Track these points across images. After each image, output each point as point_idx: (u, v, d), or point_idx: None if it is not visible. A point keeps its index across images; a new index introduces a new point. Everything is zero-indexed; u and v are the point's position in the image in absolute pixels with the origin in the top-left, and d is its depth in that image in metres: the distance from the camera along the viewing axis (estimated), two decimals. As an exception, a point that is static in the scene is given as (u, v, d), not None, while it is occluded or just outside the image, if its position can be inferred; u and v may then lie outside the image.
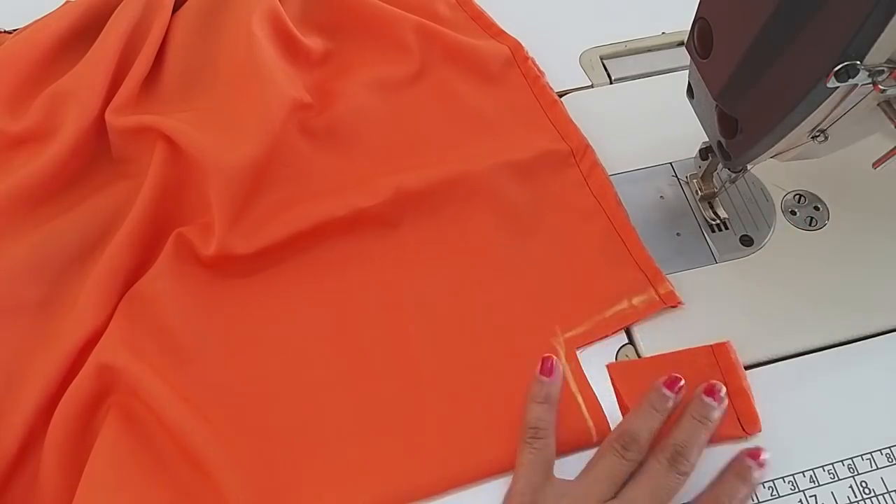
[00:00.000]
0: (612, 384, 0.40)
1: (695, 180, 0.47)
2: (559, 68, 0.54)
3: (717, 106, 0.38)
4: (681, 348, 0.40)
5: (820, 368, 0.41)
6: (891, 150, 0.35)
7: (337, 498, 0.37)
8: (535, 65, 0.54)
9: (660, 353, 0.41)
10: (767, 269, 0.44)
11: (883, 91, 0.30)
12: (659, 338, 0.41)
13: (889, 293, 0.43)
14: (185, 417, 0.38)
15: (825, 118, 0.34)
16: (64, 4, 0.53)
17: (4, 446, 0.37)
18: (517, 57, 0.54)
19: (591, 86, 0.54)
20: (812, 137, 0.35)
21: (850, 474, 0.37)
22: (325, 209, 0.45)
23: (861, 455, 0.38)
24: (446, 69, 0.53)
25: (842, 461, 0.37)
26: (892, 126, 0.33)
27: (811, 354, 0.41)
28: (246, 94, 0.47)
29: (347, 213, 0.45)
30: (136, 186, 0.45)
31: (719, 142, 0.39)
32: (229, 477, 0.36)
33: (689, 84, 0.41)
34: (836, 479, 0.37)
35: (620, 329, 0.42)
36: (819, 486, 0.37)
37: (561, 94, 0.53)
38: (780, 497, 0.36)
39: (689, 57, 0.39)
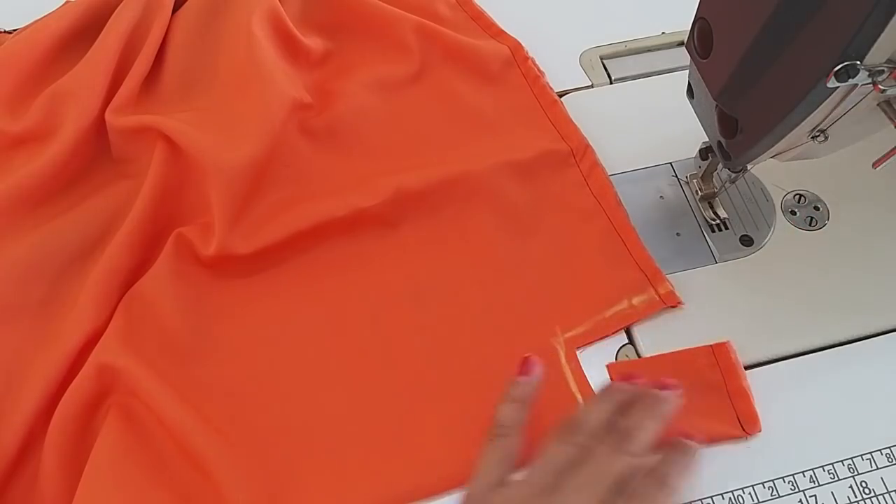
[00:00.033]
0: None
1: (695, 180, 0.47)
2: (559, 68, 0.54)
3: (717, 106, 0.38)
4: (681, 348, 0.40)
5: (820, 368, 0.41)
6: (891, 150, 0.35)
7: (336, 498, 0.37)
8: (535, 65, 0.54)
9: (660, 353, 0.41)
10: (767, 269, 0.44)
11: (883, 91, 0.30)
12: (659, 338, 0.41)
13: (889, 293, 0.43)
14: (185, 417, 0.38)
15: (825, 118, 0.34)
16: (64, 4, 0.53)
17: (4, 446, 0.37)
18: (517, 57, 0.54)
19: (591, 86, 0.54)
20: (812, 137, 0.35)
21: (850, 474, 0.37)
22: (325, 209, 0.45)
23: (861, 455, 0.38)
24: (446, 69, 0.53)
25: (842, 461, 0.37)
26: (893, 126, 0.33)
27: (811, 354, 0.41)
28: (246, 94, 0.47)
29: (347, 213, 0.45)
30: (136, 186, 0.45)
31: (719, 142, 0.39)
32: (229, 477, 0.36)
33: (689, 84, 0.41)
34: (836, 479, 0.37)
35: (620, 329, 0.42)
36: (819, 486, 0.37)
37: (561, 94, 0.53)
38: (780, 497, 0.36)
39: (689, 57, 0.39)
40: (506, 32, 0.56)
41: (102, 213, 0.45)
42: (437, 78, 0.53)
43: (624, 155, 0.49)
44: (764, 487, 0.37)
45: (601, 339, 0.42)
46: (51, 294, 0.42)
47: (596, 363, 0.41)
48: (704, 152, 0.44)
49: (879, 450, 0.38)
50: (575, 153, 0.49)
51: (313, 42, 0.53)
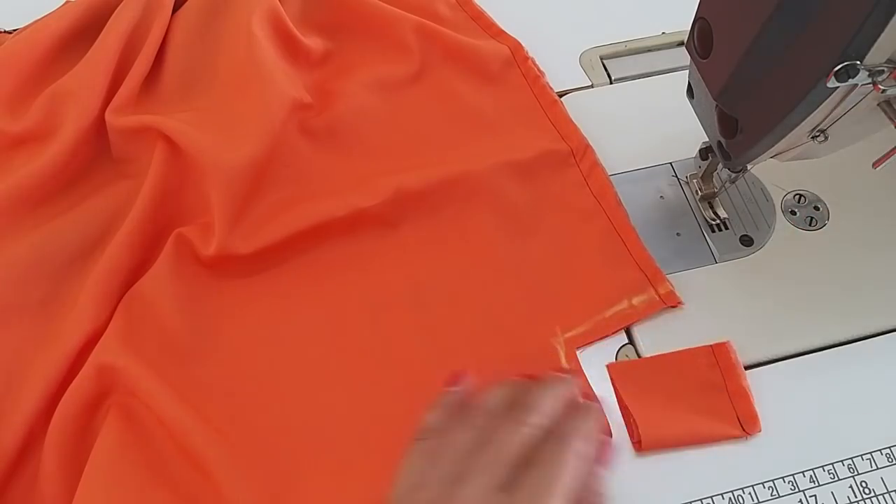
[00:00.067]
0: (612, 384, 0.40)
1: (695, 180, 0.47)
2: (559, 68, 0.54)
3: (717, 106, 0.38)
4: (681, 348, 0.40)
5: (820, 368, 0.41)
6: (891, 150, 0.34)
7: (336, 498, 0.37)
8: (535, 65, 0.54)
9: (660, 353, 0.41)
10: (767, 269, 0.44)
11: (883, 91, 0.30)
12: (659, 338, 0.41)
13: (889, 293, 0.43)
14: (185, 417, 0.38)
15: (825, 118, 0.34)
16: (64, 4, 0.53)
17: (4, 446, 0.37)
18: (517, 57, 0.54)
19: (591, 86, 0.54)
20: (812, 137, 0.35)
21: (850, 474, 0.37)
22: (325, 209, 0.45)
23: (861, 455, 0.38)
24: (446, 69, 0.53)
25: (842, 461, 0.37)
26: (893, 126, 0.33)
27: (811, 354, 0.41)
28: (246, 94, 0.47)
29: (347, 213, 0.45)
30: (136, 186, 0.45)
31: (719, 142, 0.39)
32: (229, 477, 0.36)
33: (689, 84, 0.41)
34: (836, 479, 0.37)
35: (620, 329, 0.42)
36: (819, 486, 0.37)
37: (561, 94, 0.53)
38: (780, 497, 0.36)
39: (689, 57, 0.39)
40: (506, 32, 0.56)
41: (102, 213, 0.45)
42: (437, 78, 0.53)
43: (624, 155, 0.49)
44: (764, 487, 0.37)
45: (601, 339, 0.42)
46: (51, 294, 0.42)
47: (596, 363, 0.41)
48: (704, 152, 0.44)
49: (879, 450, 0.38)
50: (575, 153, 0.49)
51: (313, 42, 0.53)
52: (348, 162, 0.48)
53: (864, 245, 0.45)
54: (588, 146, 0.49)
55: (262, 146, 0.45)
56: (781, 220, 0.46)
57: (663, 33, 0.56)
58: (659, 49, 0.56)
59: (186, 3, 0.53)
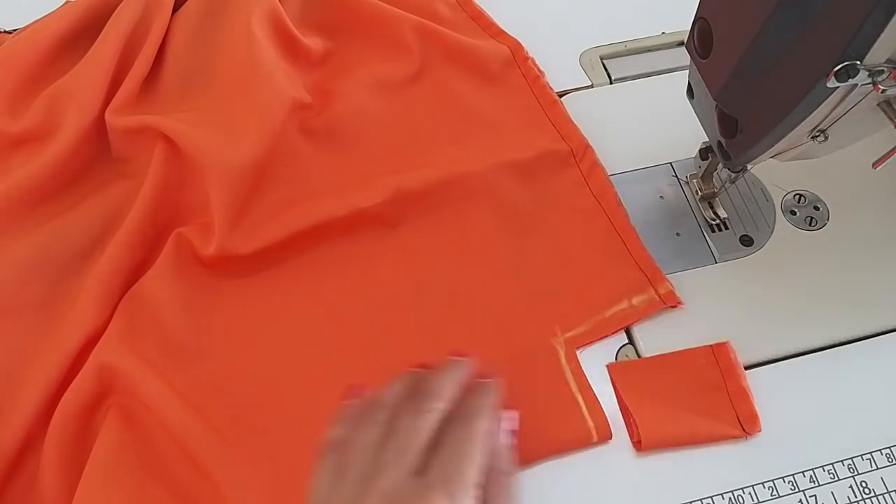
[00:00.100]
0: (612, 384, 0.40)
1: (695, 180, 0.47)
2: (559, 68, 0.54)
3: (717, 106, 0.38)
4: (681, 348, 0.40)
5: (820, 368, 0.41)
6: (891, 150, 0.34)
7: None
8: (535, 65, 0.54)
9: (660, 353, 0.41)
10: (767, 269, 0.44)
11: (883, 91, 0.30)
12: (659, 338, 0.41)
13: (889, 293, 0.43)
14: (184, 417, 0.38)
15: (825, 118, 0.34)
16: (64, 4, 0.53)
17: (4, 446, 0.37)
18: (517, 57, 0.54)
19: (591, 86, 0.54)
20: (812, 137, 0.35)
21: (850, 474, 0.37)
22: (325, 209, 0.45)
23: (861, 455, 0.38)
24: (446, 69, 0.53)
25: (842, 461, 0.37)
26: (893, 126, 0.33)
27: (811, 354, 0.41)
28: (246, 94, 0.47)
29: (347, 213, 0.45)
30: (136, 186, 0.45)
31: (719, 142, 0.39)
32: (229, 477, 0.36)
33: (689, 84, 0.41)
34: (836, 479, 0.37)
35: (620, 329, 0.42)
36: (819, 486, 0.37)
37: (561, 94, 0.53)
38: (780, 497, 0.36)
39: (689, 57, 0.39)
40: (506, 32, 0.56)
41: (102, 213, 0.45)
42: (437, 78, 0.53)
43: (624, 155, 0.49)
44: (764, 487, 0.37)
45: (601, 339, 0.42)
46: (51, 294, 0.42)
47: (596, 363, 0.41)
48: (704, 152, 0.44)
49: (879, 450, 0.38)
50: (575, 153, 0.49)
51: (313, 42, 0.53)
52: (348, 162, 0.48)
53: (864, 245, 0.45)
54: (588, 146, 0.49)
55: (261, 146, 0.45)
56: (781, 220, 0.46)
57: (663, 33, 0.56)
58: (659, 49, 0.56)
59: (186, 3, 0.53)
